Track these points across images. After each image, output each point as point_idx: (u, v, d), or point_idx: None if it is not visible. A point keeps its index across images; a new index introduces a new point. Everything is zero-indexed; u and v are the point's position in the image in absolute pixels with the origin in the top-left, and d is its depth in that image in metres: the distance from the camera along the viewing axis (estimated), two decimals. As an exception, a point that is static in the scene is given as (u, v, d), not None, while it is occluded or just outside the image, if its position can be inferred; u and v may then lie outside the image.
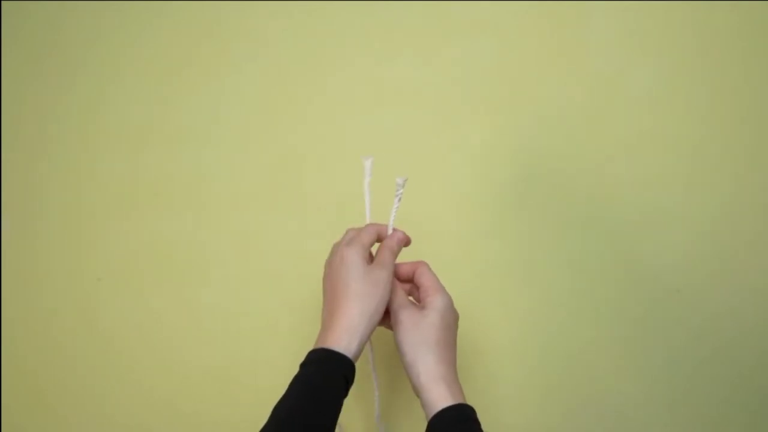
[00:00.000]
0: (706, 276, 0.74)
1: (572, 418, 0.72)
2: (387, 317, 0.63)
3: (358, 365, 0.57)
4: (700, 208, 0.75)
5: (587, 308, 0.74)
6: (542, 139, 0.78)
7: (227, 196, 0.79)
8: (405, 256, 0.65)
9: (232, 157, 0.80)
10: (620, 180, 0.76)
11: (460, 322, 0.63)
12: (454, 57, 0.80)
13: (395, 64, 0.81)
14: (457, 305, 0.64)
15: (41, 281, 0.79)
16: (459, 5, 0.81)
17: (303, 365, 0.57)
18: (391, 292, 0.62)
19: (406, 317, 0.60)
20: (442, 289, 0.62)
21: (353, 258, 0.59)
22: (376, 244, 0.65)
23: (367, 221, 0.65)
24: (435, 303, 0.61)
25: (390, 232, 0.64)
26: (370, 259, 0.63)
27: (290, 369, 0.58)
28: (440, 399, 0.56)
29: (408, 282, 0.65)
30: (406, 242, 0.66)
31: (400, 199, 0.63)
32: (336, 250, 0.62)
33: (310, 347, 0.58)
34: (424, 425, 0.57)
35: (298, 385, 0.56)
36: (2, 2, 0.86)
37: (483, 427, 0.57)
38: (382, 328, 0.63)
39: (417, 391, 0.58)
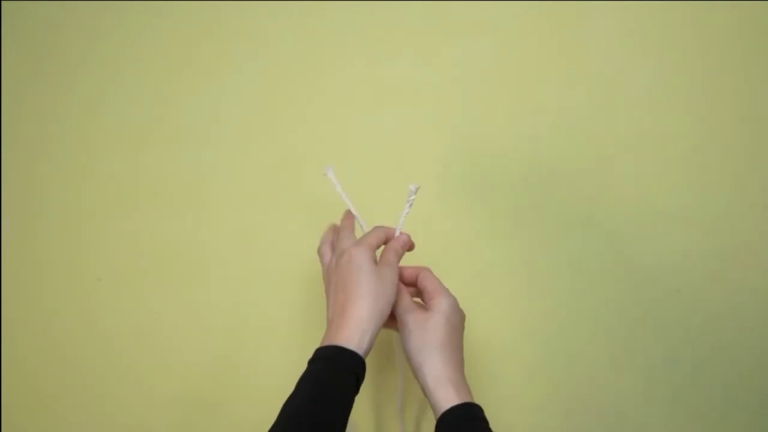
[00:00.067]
0: (706, 276, 0.74)
1: (572, 418, 0.72)
2: (393, 320, 0.63)
3: (373, 362, 0.57)
4: (700, 208, 0.75)
5: (587, 308, 0.74)
6: (542, 139, 0.78)
7: (227, 196, 0.80)
8: (407, 257, 0.65)
9: (232, 157, 0.80)
10: (620, 180, 0.76)
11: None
12: (454, 57, 0.80)
13: (395, 64, 0.81)
14: (456, 305, 0.64)
15: (41, 281, 0.79)
16: (459, 5, 0.81)
17: (311, 362, 0.57)
18: (397, 296, 0.63)
19: (412, 320, 0.61)
20: (446, 292, 0.63)
21: (362, 258, 0.60)
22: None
23: (361, 222, 0.67)
24: (440, 305, 0.61)
25: (397, 235, 0.66)
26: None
27: (290, 369, 0.58)
28: (448, 399, 0.57)
29: (411, 286, 0.66)
30: (410, 247, 0.66)
31: (411, 205, 0.65)
32: (343, 251, 0.62)
33: (311, 347, 0.58)
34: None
35: (307, 382, 0.56)
36: (2, 2, 0.86)
37: (483, 426, 0.57)
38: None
39: (425, 393, 0.59)
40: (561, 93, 0.79)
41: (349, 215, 0.68)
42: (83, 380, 0.76)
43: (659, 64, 0.78)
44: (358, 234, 0.66)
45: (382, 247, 0.65)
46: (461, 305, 0.64)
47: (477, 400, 0.58)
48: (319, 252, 0.66)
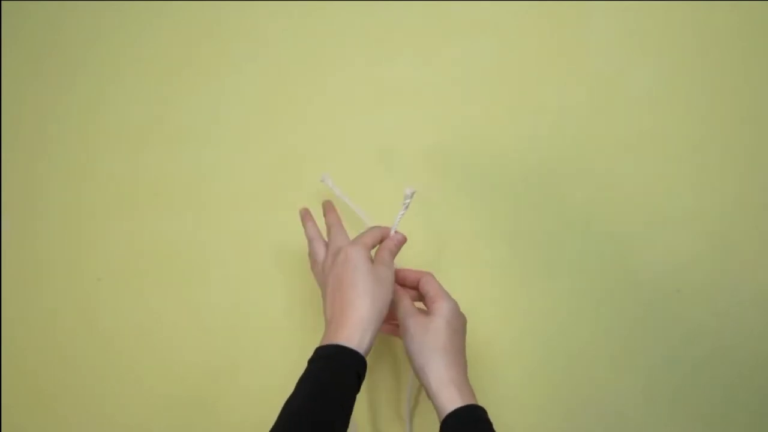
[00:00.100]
0: (706, 276, 0.74)
1: (572, 418, 0.72)
2: (396, 328, 0.63)
3: (373, 362, 0.57)
4: (700, 207, 0.75)
5: (587, 308, 0.74)
6: (542, 139, 0.78)
7: (227, 196, 0.80)
8: (408, 257, 0.65)
9: (232, 157, 0.80)
10: (620, 180, 0.76)
11: (462, 323, 0.63)
12: (454, 57, 0.80)
13: (395, 64, 0.81)
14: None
15: (41, 281, 0.79)
16: (459, 5, 0.81)
17: (311, 361, 0.57)
18: (398, 301, 0.64)
19: (414, 324, 0.61)
20: (447, 296, 0.63)
21: (359, 257, 0.60)
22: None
23: (367, 222, 0.67)
24: (441, 309, 0.62)
25: (392, 234, 0.66)
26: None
27: (290, 368, 0.58)
28: (451, 401, 0.57)
29: (413, 290, 0.66)
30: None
31: (407, 207, 0.65)
32: (339, 250, 0.62)
33: (310, 347, 0.58)
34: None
35: (307, 382, 0.56)
36: (2, 2, 0.86)
37: (485, 426, 0.57)
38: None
39: (429, 395, 0.59)
40: (561, 93, 0.79)
41: (330, 209, 0.68)
42: (83, 380, 0.76)
43: (659, 64, 0.78)
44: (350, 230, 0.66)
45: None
46: (461, 305, 0.64)
47: (477, 400, 0.58)
48: (312, 251, 0.67)
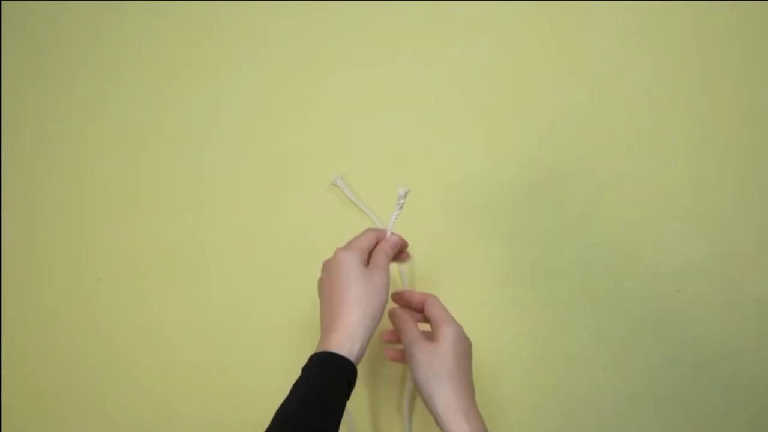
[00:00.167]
0: (706, 276, 0.74)
1: (572, 418, 0.71)
2: (403, 352, 0.64)
3: (374, 363, 0.57)
4: (700, 207, 0.75)
5: (587, 308, 0.74)
6: (542, 139, 0.78)
7: (227, 196, 0.79)
8: (413, 271, 0.65)
9: (232, 157, 0.80)
10: (620, 180, 0.76)
11: (461, 322, 0.63)
12: (454, 57, 0.80)
13: (395, 64, 0.81)
14: (456, 305, 0.64)
15: (41, 281, 0.79)
16: (459, 5, 0.81)
17: (305, 368, 0.57)
18: (403, 327, 0.63)
19: (419, 351, 0.60)
20: (451, 320, 0.63)
21: (350, 261, 0.60)
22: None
23: (377, 223, 0.66)
24: (445, 335, 0.61)
25: (388, 236, 0.65)
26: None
27: (290, 369, 0.58)
28: (459, 428, 0.56)
29: (419, 312, 0.66)
30: (403, 246, 0.66)
31: (401, 207, 0.64)
32: (334, 253, 0.62)
33: (310, 347, 0.58)
34: None
35: (300, 388, 0.56)
36: (2, 2, 0.86)
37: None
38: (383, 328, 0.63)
39: (437, 422, 0.58)
40: (561, 93, 0.79)
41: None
42: (83, 380, 0.76)
43: (659, 64, 0.78)
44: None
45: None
46: (460, 304, 0.64)
47: (486, 426, 0.58)
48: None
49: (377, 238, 0.64)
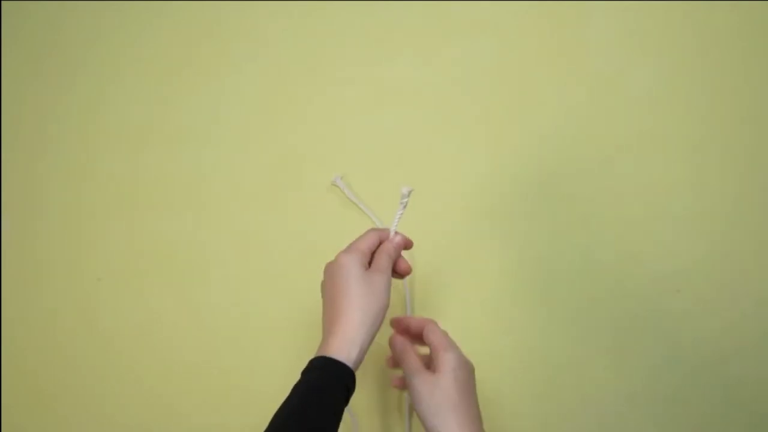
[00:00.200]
0: (707, 276, 0.74)
1: (572, 418, 0.71)
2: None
3: (373, 364, 0.57)
4: (700, 207, 0.75)
5: (587, 308, 0.74)
6: (542, 139, 0.78)
7: (227, 196, 0.79)
8: (410, 258, 0.65)
9: (232, 157, 0.80)
10: (620, 180, 0.76)
11: (462, 323, 0.63)
12: (454, 57, 0.80)
13: (395, 64, 0.81)
14: (456, 305, 0.64)
15: (41, 281, 0.79)
16: (459, 5, 0.81)
17: (304, 372, 0.57)
18: (403, 356, 0.61)
19: (420, 383, 0.58)
20: (450, 346, 0.60)
21: (350, 265, 0.59)
22: None
23: (377, 223, 0.66)
24: (446, 363, 0.59)
25: (392, 236, 0.64)
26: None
27: (290, 369, 0.58)
28: None
29: (419, 338, 0.64)
30: (407, 246, 0.65)
31: (405, 207, 0.63)
32: (335, 256, 0.61)
33: (310, 347, 0.58)
34: None
35: (298, 392, 0.55)
36: (2, 2, 0.86)
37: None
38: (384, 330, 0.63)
39: None
40: (561, 93, 0.79)
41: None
42: (83, 380, 0.76)
43: (659, 64, 0.78)
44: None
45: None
46: (460, 304, 0.64)
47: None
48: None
49: (380, 238, 0.63)
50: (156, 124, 0.82)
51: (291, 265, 0.77)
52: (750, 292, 0.73)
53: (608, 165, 0.77)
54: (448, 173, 0.78)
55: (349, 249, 0.61)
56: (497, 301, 0.74)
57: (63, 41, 0.85)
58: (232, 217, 0.79)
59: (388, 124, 0.80)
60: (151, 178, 0.81)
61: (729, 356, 0.72)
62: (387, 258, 0.61)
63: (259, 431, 0.53)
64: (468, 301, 0.70)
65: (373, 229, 0.64)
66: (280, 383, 0.57)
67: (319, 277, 0.63)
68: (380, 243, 0.63)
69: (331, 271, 0.60)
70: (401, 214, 0.63)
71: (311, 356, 0.57)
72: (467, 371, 0.60)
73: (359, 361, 0.57)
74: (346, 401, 0.56)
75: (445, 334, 0.62)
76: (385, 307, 0.59)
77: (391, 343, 0.64)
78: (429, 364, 0.61)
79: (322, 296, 0.62)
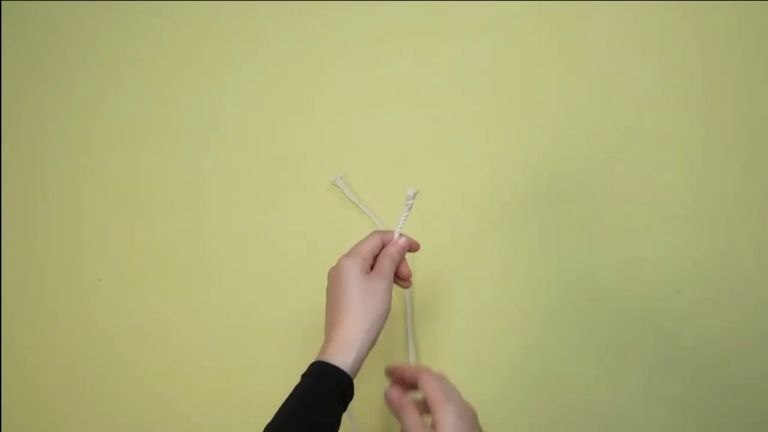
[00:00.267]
0: (707, 276, 0.74)
1: (573, 417, 0.71)
2: None
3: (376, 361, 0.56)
4: (700, 207, 0.75)
5: (587, 308, 0.74)
6: (542, 139, 0.78)
7: (227, 196, 0.80)
8: (409, 258, 0.65)
9: (232, 157, 0.80)
10: (620, 180, 0.76)
11: (462, 323, 0.62)
12: (454, 57, 0.80)
13: (395, 64, 0.81)
14: (456, 305, 0.64)
15: (41, 281, 0.79)
16: (459, 5, 0.81)
17: (304, 376, 0.56)
18: (401, 413, 0.57)
19: None
20: (447, 398, 0.55)
21: (350, 269, 0.58)
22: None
23: (378, 224, 0.65)
24: (444, 419, 0.54)
25: (396, 237, 0.62)
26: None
27: (290, 370, 0.58)
28: None
29: (414, 387, 0.59)
30: (412, 248, 0.63)
31: (410, 208, 0.62)
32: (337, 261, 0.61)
33: (310, 347, 0.58)
34: None
35: (299, 393, 0.55)
36: (2, 2, 0.86)
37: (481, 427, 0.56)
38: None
39: None
40: (561, 93, 0.79)
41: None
42: (83, 380, 0.76)
43: (659, 64, 0.78)
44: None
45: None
46: (460, 305, 0.63)
47: (475, 401, 0.58)
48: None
49: (383, 241, 0.62)
50: (156, 124, 0.82)
51: (291, 265, 0.77)
52: (750, 292, 0.73)
53: (608, 165, 0.77)
54: (448, 173, 0.78)
55: (350, 253, 0.60)
56: (497, 301, 0.74)
57: (63, 41, 0.85)
58: (232, 217, 0.79)
59: (388, 124, 0.80)
60: (151, 179, 0.81)
61: (729, 356, 0.72)
62: (390, 262, 0.60)
63: (258, 431, 0.53)
64: (468, 302, 0.70)
65: (376, 232, 0.63)
66: (280, 383, 0.57)
67: (320, 277, 0.63)
68: (383, 246, 0.62)
69: (332, 275, 0.60)
70: (406, 215, 0.62)
71: (311, 357, 0.57)
72: (468, 420, 0.55)
73: (358, 366, 0.56)
74: (344, 406, 0.55)
75: (440, 383, 0.56)
76: (386, 311, 0.58)
77: (387, 398, 0.59)
78: (428, 412, 0.56)
79: (326, 300, 0.61)
